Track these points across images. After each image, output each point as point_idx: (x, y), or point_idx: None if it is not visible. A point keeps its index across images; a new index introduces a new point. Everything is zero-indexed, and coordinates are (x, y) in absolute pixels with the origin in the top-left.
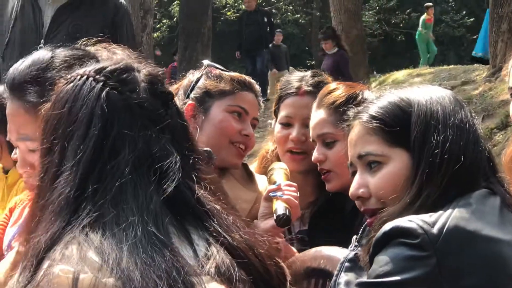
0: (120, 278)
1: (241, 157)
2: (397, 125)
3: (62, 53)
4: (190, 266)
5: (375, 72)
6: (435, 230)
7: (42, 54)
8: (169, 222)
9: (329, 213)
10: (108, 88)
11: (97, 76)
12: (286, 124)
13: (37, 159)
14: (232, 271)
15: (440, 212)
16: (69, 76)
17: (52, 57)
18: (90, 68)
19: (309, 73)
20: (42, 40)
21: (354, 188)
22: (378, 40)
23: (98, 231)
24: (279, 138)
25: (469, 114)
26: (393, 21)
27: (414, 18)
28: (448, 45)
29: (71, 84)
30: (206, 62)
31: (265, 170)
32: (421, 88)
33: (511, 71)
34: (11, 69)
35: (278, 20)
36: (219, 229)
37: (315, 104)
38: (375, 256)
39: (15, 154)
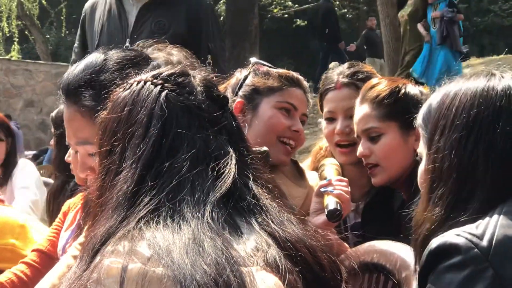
0: (169, 267)
1: (290, 154)
2: (426, 127)
3: (115, 55)
4: (240, 257)
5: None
6: (484, 242)
7: (95, 57)
8: (223, 216)
9: (381, 204)
10: (166, 90)
11: (155, 80)
12: (330, 119)
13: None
14: (279, 262)
15: (486, 221)
16: (126, 83)
17: (105, 59)
18: (147, 74)
19: (346, 65)
20: (128, 40)
21: None
22: None
23: (151, 225)
24: (326, 134)
25: (497, 108)
26: None
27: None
28: (497, 35)
29: (129, 90)
30: (253, 59)
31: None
32: (461, 81)
33: None
34: (65, 74)
35: None
36: (272, 224)
37: (358, 99)
38: (425, 276)
39: (69, 156)
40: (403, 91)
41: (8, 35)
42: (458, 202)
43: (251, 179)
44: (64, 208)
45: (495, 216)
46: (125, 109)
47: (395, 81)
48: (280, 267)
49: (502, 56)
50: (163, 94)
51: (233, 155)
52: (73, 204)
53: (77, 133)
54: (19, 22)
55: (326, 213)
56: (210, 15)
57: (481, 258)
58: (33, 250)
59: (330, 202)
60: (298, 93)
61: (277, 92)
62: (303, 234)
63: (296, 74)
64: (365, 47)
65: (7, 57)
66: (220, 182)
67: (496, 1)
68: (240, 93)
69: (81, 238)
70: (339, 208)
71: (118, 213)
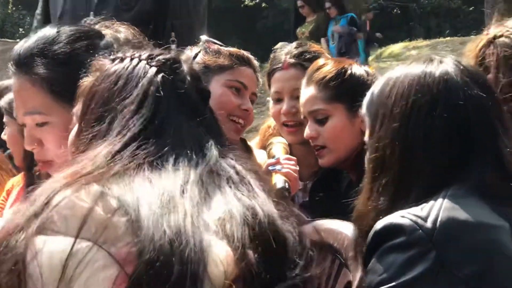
0: (132, 222)
1: (239, 132)
2: (368, 114)
3: (67, 28)
4: (205, 224)
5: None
6: (429, 224)
7: (47, 30)
8: (201, 184)
9: (329, 184)
10: (163, 73)
11: (150, 61)
12: (277, 100)
13: (45, 134)
14: (237, 234)
15: (430, 204)
16: (116, 56)
17: (58, 31)
18: (140, 53)
19: (294, 44)
20: (92, 13)
21: None
22: (374, 14)
23: (126, 179)
24: (273, 114)
25: (435, 93)
26: None
27: None
28: (444, 17)
29: (122, 63)
30: (204, 37)
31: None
32: (402, 68)
33: None
34: (16, 47)
35: None
36: (252, 199)
37: (304, 81)
38: (369, 257)
39: (5, 134)
40: (349, 72)
41: None
42: (401, 190)
43: (235, 160)
44: (7, 186)
45: (440, 199)
46: (119, 82)
47: (341, 62)
48: (236, 239)
49: (448, 38)
50: (159, 76)
51: (214, 144)
52: (16, 182)
53: (26, 102)
54: None
55: (274, 191)
56: None
57: (425, 240)
58: None
59: (278, 181)
60: (248, 72)
61: (228, 71)
62: (278, 214)
63: (246, 53)
64: None
65: None
66: (204, 158)
67: None
68: None
69: None
70: (287, 186)
71: (95, 163)
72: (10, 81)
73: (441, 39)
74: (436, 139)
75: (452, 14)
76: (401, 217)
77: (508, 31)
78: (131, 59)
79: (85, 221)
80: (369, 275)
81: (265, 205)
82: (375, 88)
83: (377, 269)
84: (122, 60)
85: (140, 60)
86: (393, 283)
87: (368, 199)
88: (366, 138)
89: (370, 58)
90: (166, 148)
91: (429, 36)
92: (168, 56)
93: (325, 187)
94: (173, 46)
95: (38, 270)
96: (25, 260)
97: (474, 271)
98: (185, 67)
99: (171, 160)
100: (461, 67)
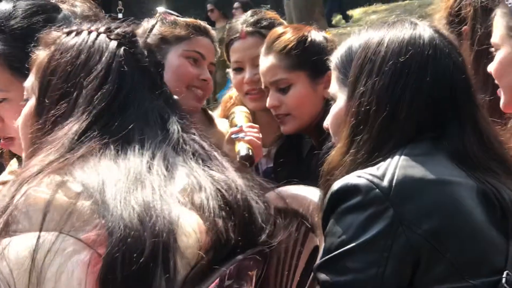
0: (97, 203)
1: (200, 101)
2: (344, 69)
3: (23, 2)
4: (173, 196)
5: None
6: (385, 182)
7: (3, 5)
8: (166, 159)
9: (292, 149)
10: (124, 46)
11: (109, 34)
12: (238, 69)
13: (5, 110)
14: (205, 204)
15: (386, 162)
16: (72, 29)
17: (14, 6)
18: (98, 25)
19: (249, 13)
20: None
21: None
22: None
23: (95, 160)
24: (235, 84)
25: (425, 57)
26: None
27: None
28: None
29: (80, 36)
30: (160, 9)
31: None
32: (385, 27)
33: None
34: None
35: None
36: (216, 171)
37: (263, 50)
38: (328, 220)
39: None
40: (309, 39)
41: None
42: (379, 144)
43: (196, 135)
44: None
45: (396, 158)
46: (81, 55)
47: (300, 29)
48: (205, 209)
49: (406, 1)
50: (121, 49)
51: (175, 117)
52: None
53: None
54: None
55: (238, 159)
56: None
57: (381, 198)
58: None
59: (242, 148)
60: (205, 42)
61: (185, 41)
62: (246, 184)
63: (203, 23)
64: None
65: None
66: (170, 135)
67: None
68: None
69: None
70: (250, 153)
71: (58, 152)
72: None
73: (400, 2)
74: (424, 99)
75: None
76: (357, 177)
77: None
78: (89, 33)
79: (47, 212)
80: (327, 238)
81: (233, 176)
82: (352, 43)
83: (335, 231)
84: (78, 33)
85: (98, 34)
86: (353, 244)
87: (346, 152)
88: (332, 90)
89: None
90: (131, 125)
91: (387, 0)
92: (126, 29)
93: (288, 152)
94: (120, 15)
95: (7, 268)
96: None
97: (431, 227)
98: (140, 41)
99: (136, 137)
100: (441, 34)
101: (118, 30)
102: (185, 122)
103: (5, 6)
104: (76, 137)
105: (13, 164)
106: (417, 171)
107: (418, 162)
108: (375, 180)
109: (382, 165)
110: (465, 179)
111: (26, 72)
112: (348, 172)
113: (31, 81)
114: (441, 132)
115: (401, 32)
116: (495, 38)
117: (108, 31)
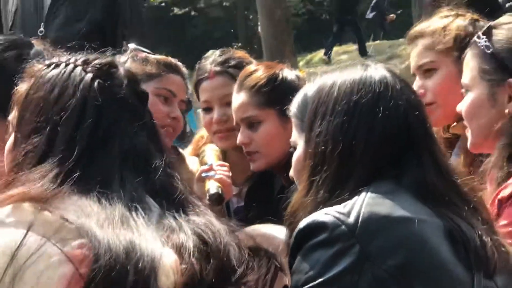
0: (83, 226)
1: (171, 139)
2: (301, 115)
3: None
4: (156, 237)
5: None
6: (351, 219)
7: None
8: (149, 200)
9: (263, 188)
10: (98, 79)
11: (85, 67)
12: (207, 109)
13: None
14: (184, 246)
15: (352, 200)
16: (51, 62)
17: None
18: (76, 57)
19: (217, 52)
20: (43, 24)
21: None
22: (302, 20)
23: (76, 198)
24: (205, 124)
25: (376, 95)
26: (316, 0)
27: None
28: (373, 21)
29: (57, 69)
30: (132, 45)
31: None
32: (337, 71)
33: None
34: None
35: (202, 5)
36: (195, 217)
37: (235, 87)
38: (295, 257)
39: None
40: (280, 77)
41: None
42: (338, 183)
43: (172, 176)
44: None
45: (362, 195)
46: (55, 90)
47: (272, 68)
48: (183, 250)
49: (378, 42)
50: (96, 82)
51: (158, 152)
52: None
53: None
54: None
55: (207, 197)
56: (129, 1)
57: (347, 235)
58: None
59: (212, 187)
60: (176, 80)
61: (156, 79)
62: (223, 228)
63: (174, 60)
64: None
65: None
66: (150, 179)
67: None
68: None
69: None
70: (220, 192)
71: (40, 183)
72: None
73: (371, 42)
74: (377, 136)
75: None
76: (324, 214)
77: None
78: (66, 65)
79: (35, 221)
80: (294, 275)
81: (212, 220)
82: (307, 90)
83: (302, 268)
84: (57, 65)
85: (75, 66)
86: (320, 280)
87: (307, 193)
88: (293, 138)
89: (300, 63)
90: (111, 167)
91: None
92: (104, 60)
93: (259, 192)
94: None
95: None
96: None
97: (396, 263)
98: (121, 70)
99: (117, 178)
100: (394, 73)
101: (95, 62)
102: (167, 161)
103: None
104: (58, 180)
105: None
106: (383, 208)
107: (383, 200)
108: (342, 217)
109: (348, 203)
110: (430, 217)
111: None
112: (310, 213)
113: (12, 115)
114: (401, 168)
115: (352, 74)
116: (465, 79)
117: (85, 63)
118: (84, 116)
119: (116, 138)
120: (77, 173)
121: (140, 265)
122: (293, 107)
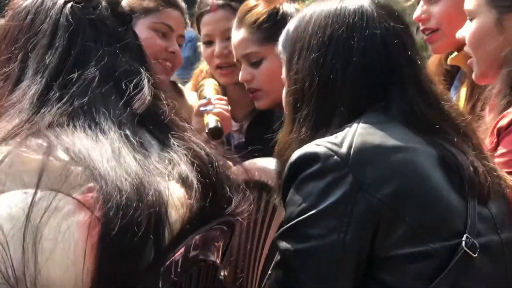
0: (88, 168)
1: (168, 74)
2: (284, 50)
3: None
4: (156, 169)
5: None
6: (343, 149)
7: None
8: (141, 129)
9: (264, 123)
10: (72, 2)
11: None
12: (208, 42)
13: None
14: (188, 177)
15: (344, 131)
16: None
17: None
18: None
19: None
20: None
21: None
22: None
23: (67, 129)
24: (206, 58)
25: (350, 26)
26: None
27: None
28: None
29: None
30: None
31: None
32: (315, 5)
33: None
34: None
35: None
36: (185, 141)
37: (235, 23)
38: (288, 190)
39: None
40: (281, 11)
41: None
42: (322, 119)
43: (159, 98)
44: None
45: (354, 126)
46: (28, 17)
47: (272, 2)
48: (189, 182)
49: None
50: (68, 5)
51: (144, 72)
52: None
53: None
54: None
55: (206, 131)
56: None
57: (340, 165)
58: None
59: (210, 121)
60: (174, 14)
61: (153, 13)
62: (213, 153)
63: None
64: None
65: None
66: (136, 99)
67: None
68: None
69: None
70: (219, 126)
71: (22, 115)
72: None
73: None
74: (354, 68)
75: None
76: (315, 145)
77: None
78: None
79: (42, 172)
80: (288, 207)
81: (205, 148)
82: (290, 25)
83: (296, 199)
84: None
85: None
86: (313, 211)
87: (290, 131)
88: (283, 75)
89: None
90: (94, 84)
91: None
92: None
93: (260, 126)
94: None
95: None
96: None
97: (390, 191)
98: None
99: (101, 102)
100: (372, 1)
101: None
102: (152, 80)
103: None
104: (35, 99)
105: None
106: (375, 138)
107: (375, 130)
108: (334, 147)
109: (340, 134)
110: (422, 146)
111: None
112: (295, 150)
113: None
114: (387, 100)
115: (327, 6)
116: (469, 5)
117: None
118: (54, 38)
119: (91, 58)
120: (56, 93)
121: (150, 199)
122: (279, 44)
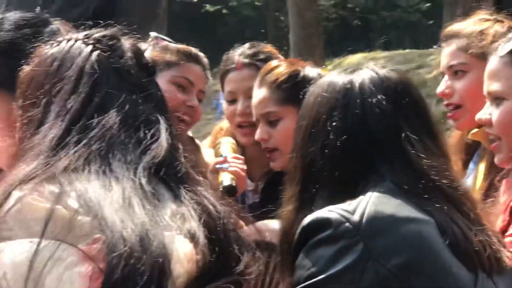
0: (96, 218)
1: (186, 127)
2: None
3: (12, 15)
4: (164, 221)
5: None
6: (356, 217)
7: None
8: (154, 182)
9: (280, 185)
10: (98, 50)
11: (86, 40)
12: (232, 101)
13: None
14: (196, 233)
15: (357, 200)
16: (54, 41)
17: (1, 18)
18: (78, 34)
19: (247, 45)
20: (38, 7)
21: None
22: (334, 25)
23: (81, 174)
24: (228, 115)
25: (333, 104)
26: (349, 6)
27: (370, 3)
28: (404, 30)
29: (58, 46)
30: (153, 34)
31: None
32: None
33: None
34: None
35: (234, 3)
36: (197, 196)
37: (257, 82)
38: (297, 253)
39: None
40: (301, 74)
41: None
42: (304, 200)
43: (177, 150)
44: None
45: (368, 195)
46: (54, 63)
47: (294, 64)
48: (196, 238)
49: (407, 50)
50: (95, 53)
51: (163, 122)
52: None
53: None
54: None
55: (221, 188)
56: None
57: (352, 232)
58: None
59: (225, 179)
60: (195, 69)
61: (174, 67)
62: (223, 211)
63: (195, 50)
64: None
65: None
66: (153, 148)
67: None
68: None
69: None
70: (234, 184)
71: (40, 158)
72: None
73: (400, 51)
74: (333, 147)
75: (411, 27)
76: (328, 211)
77: None
78: (68, 41)
79: (48, 221)
80: (297, 271)
81: (216, 205)
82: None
83: (305, 264)
84: (59, 43)
85: (76, 41)
86: (322, 276)
87: (285, 206)
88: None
89: (329, 67)
90: (113, 130)
91: (388, 48)
92: (104, 33)
93: (275, 187)
94: None
95: (1, 273)
96: None
97: (400, 262)
98: (125, 43)
99: (119, 149)
100: (373, 75)
101: (96, 35)
102: (172, 130)
103: None
104: (54, 143)
105: None
106: (388, 207)
107: (388, 199)
108: (346, 214)
109: (354, 202)
110: (426, 217)
111: (6, 86)
112: (287, 227)
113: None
114: (377, 173)
115: (323, 82)
116: (498, 87)
117: (86, 37)
118: (78, 84)
119: (113, 105)
120: (73, 138)
121: (154, 251)
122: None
